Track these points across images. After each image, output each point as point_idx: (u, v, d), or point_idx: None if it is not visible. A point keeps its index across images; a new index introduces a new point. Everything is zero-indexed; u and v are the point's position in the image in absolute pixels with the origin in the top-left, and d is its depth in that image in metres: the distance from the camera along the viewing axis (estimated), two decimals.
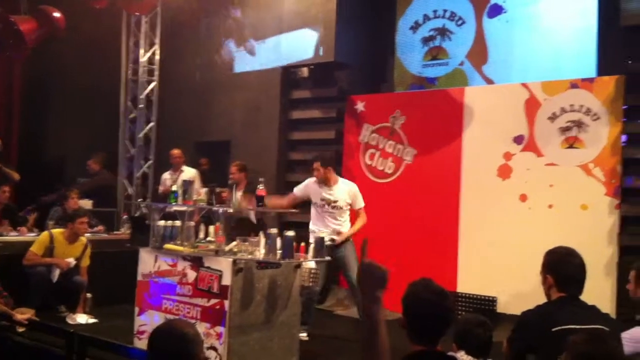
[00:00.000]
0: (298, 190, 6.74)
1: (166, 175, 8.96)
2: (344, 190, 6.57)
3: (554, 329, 2.99)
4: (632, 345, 3.36)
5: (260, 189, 5.74)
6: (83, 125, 10.21)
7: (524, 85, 7.27)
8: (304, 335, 6.25)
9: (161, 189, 8.71)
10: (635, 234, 6.53)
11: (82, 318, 6.85)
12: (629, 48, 6.80)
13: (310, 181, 6.67)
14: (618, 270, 6.36)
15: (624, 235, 6.54)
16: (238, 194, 7.89)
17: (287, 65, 9.33)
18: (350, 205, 6.57)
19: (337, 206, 6.51)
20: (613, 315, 5.85)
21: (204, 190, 5.73)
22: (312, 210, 6.67)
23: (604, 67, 7.06)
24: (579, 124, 6.83)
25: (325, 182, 6.54)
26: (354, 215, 6.66)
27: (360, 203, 6.59)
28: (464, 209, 7.56)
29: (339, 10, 8.61)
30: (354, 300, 6.67)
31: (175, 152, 9.03)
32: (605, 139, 6.69)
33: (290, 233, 5.32)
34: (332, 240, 6.30)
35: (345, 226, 6.55)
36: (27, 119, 10.66)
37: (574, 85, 6.94)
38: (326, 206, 6.52)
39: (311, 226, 6.62)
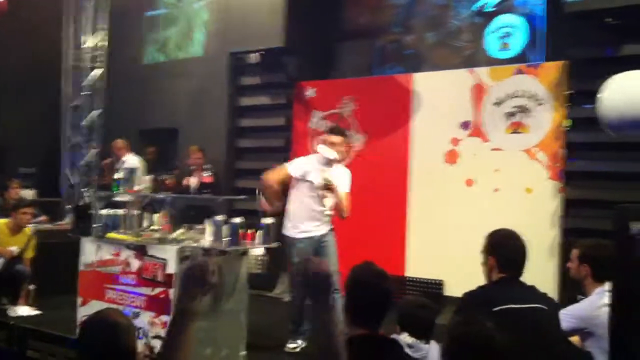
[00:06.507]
0: (294, 171, 5.78)
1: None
2: (340, 174, 5.84)
3: (494, 309, 3.02)
4: (571, 321, 3.43)
5: (206, 176, 5.69)
6: (22, 113, 9.94)
7: (471, 71, 7.33)
8: (292, 347, 5.74)
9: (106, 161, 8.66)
10: (577, 217, 6.64)
11: (24, 310, 6.69)
12: (574, 34, 6.89)
13: (308, 159, 5.87)
14: (561, 252, 6.48)
15: (567, 217, 6.65)
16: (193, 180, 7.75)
17: (234, 51, 9.22)
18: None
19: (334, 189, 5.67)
20: (556, 295, 5.96)
21: (148, 177, 5.64)
22: (294, 197, 5.82)
23: (548, 53, 7.16)
24: (523, 109, 6.92)
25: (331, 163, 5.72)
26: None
27: (347, 186, 5.83)
28: (412, 194, 7.60)
29: None
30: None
31: (114, 142, 8.90)
32: (549, 123, 6.79)
33: (237, 220, 5.28)
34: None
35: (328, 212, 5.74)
36: None
37: (519, 71, 7.03)
38: (322, 189, 5.64)
39: (292, 221, 5.79)
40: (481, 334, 2.43)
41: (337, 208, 5.70)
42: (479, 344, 2.40)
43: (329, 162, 5.69)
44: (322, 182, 5.56)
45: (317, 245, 5.74)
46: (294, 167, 5.83)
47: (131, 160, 8.67)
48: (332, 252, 5.75)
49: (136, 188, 5.93)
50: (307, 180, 5.69)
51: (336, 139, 5.75)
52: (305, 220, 5.73)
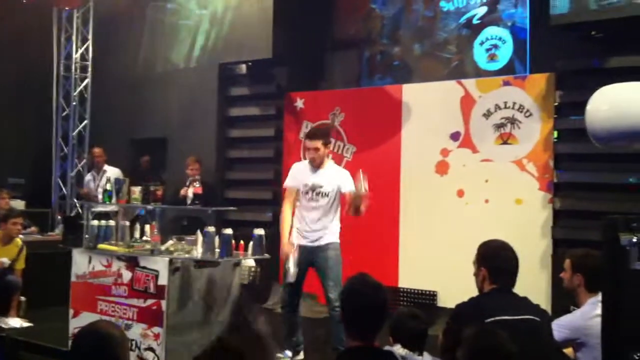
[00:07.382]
0: (289, 182, 5.77)
1: (89, 177, 8.86)
2: (332, 174, 5.66)
3: (487, 321, 3.04)
4: (563, 332, 3.46)
5: (197, 187, 5.69)
6: (11, 122, 9.92)
7: (459, 82, 7.39)
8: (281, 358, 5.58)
9: (85, 190, 8.64)
10: (567, 227, 6.68)
11: (15, 322, 6.65)
12: (560, 46, 6.96)
13: (298, 166, 5.87)
14: (552, 263, 6.52)
15: (557, 228, 6.69)
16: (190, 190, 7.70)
17: (224, 62, 9.24)
18: (339, 189, 5.60)
19: (323, 192, 5.58)
20: (548, 306, 6.00)
21: (138, 188, 5.63)
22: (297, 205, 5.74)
23: (534, 65, 7.23)
24: (512, 121, 6.98)
25: (317, 165, 5.63)
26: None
27: (351, 186, 5.52)
28: (403, 205, 7.62)
29: (275, 7, 8.57)
30: (330, 314, 5.45)
31: (96, 150, 8.86)
32: (538, 135, 6.85)
33: (228, 231, 5.28)
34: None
35: (330, 228, 5.67)
36: None
37: (506, 82, 7.09)
38: (310, 193, 5.59)
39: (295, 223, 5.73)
40: (500, 345, 2.47)
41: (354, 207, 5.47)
42: (499, 355, 2.44)
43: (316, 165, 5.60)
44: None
45: (313, 256, 5.57)
46: (289, 179, 5.80)
47: (111, 170, 8.65)
48: (330, 266, 5.46)
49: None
50: (302, 188, 5.63)
51: (312, 143, 5.59)
52: (300, 228, 5.65)
